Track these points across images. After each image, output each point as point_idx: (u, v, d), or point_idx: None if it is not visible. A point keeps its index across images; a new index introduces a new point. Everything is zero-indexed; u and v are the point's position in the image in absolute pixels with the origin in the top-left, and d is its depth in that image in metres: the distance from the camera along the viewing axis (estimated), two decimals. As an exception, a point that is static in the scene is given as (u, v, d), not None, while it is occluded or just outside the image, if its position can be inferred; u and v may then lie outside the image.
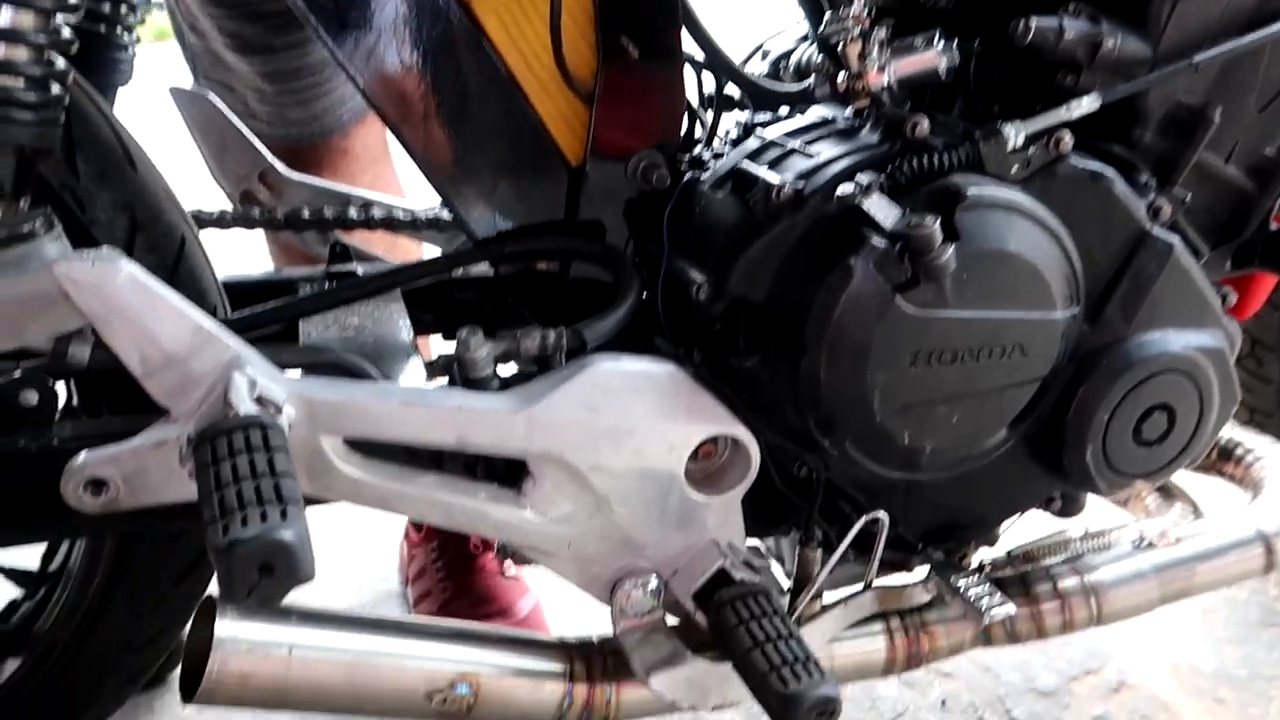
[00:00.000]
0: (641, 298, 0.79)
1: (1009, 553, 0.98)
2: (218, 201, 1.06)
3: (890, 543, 0.87)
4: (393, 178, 1.35)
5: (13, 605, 0.90)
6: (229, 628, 0.67)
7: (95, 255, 0.59)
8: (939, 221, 0.69)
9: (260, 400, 0.62)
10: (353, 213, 1.01)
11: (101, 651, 0.87)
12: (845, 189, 0.71)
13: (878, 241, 0.70)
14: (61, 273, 0.58)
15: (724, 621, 0.75)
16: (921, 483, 0.83)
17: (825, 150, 0.78)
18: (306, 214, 1.00)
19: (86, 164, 0.70)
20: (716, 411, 0.76)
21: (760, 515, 0.85)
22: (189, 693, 0.67)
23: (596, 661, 0.83)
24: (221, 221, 0.99)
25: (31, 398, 0.68)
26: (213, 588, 0.84)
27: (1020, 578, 0.94)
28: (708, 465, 0.80)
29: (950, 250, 0.70)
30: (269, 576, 0.50)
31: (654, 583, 0.80)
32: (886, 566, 0.90)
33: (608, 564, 0.79)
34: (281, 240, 1.25)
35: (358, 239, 1.04)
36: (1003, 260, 0.73)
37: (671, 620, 0.82)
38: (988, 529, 0.91)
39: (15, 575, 0.89)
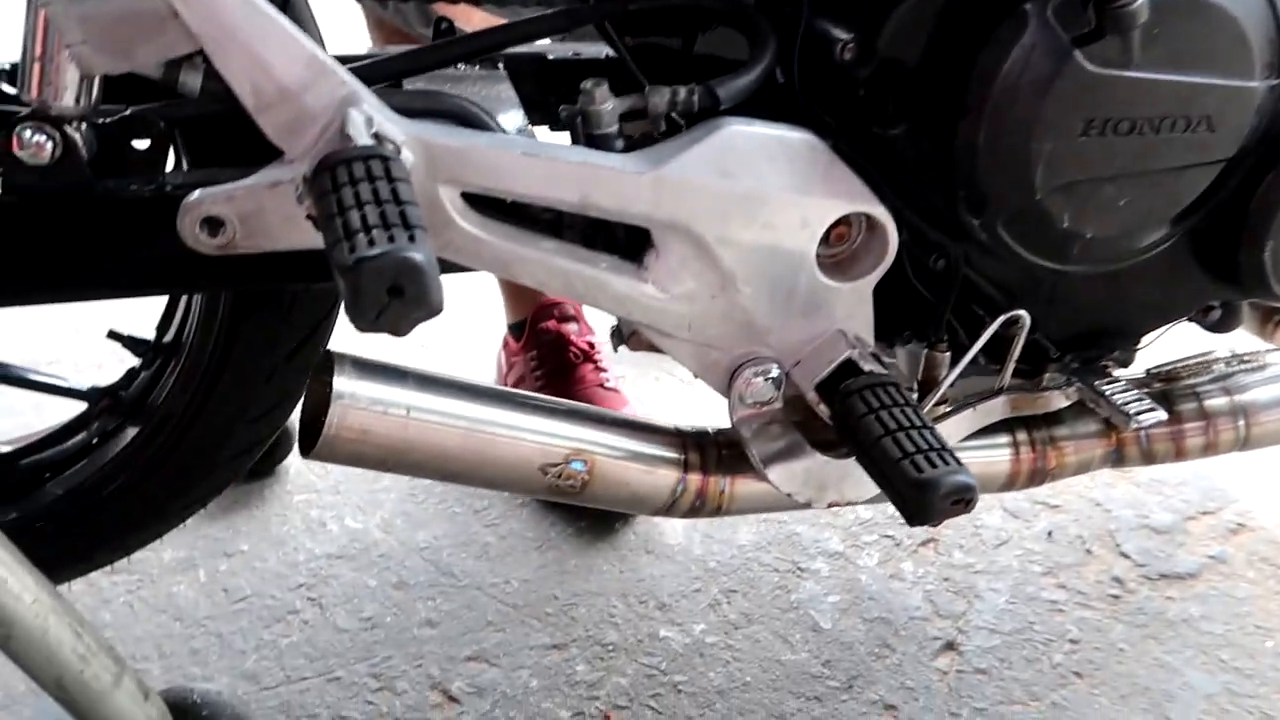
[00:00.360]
0: (777, 59, 0.72)
1: (1149, 370, 0.92)
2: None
3: (1025, 351, 0.81)
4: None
5: (131, 373, 0.91)
6: (348, 383, 0.65)
7: (207, -36, 0.55)
8: (1136, -39, 0.60)
9: (378, 138, 0.58)
10: (458, -16, 0.94)
11: (216, 423, 0.88)
12: (1026, -75, 0.62)
13: (1059, -16, 0.62)
14: (172, -19, 0.54)
15: (852, 410, 0.71)
16: (1070, 279, 0.76)
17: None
18: (409, -15, 0.94)
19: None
20: (855, 187, 0.71)
21: (884, 316, 0.79)
22: (308, 447, 0.67)
23: (711, 452, 0.80)
24: (323, -9, 0.93)
25: (142, 142, 0.66)
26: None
27: (1163, 395, 0.88)
28: (840, 249, 0.75)
29: (1145, -3, 0.61)
30: (398, 299, 0.47)
31: (775, 371, 0.76)
32: (1016, 377, 0.85)
33: (728, 349, 0.75)
34: (382, 20, 1.19)
35: (460, 14, 0.98)
36: (1203, 13, 0.63)
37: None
38: (1134, 338, 0.84)
39: (133, 344, 0.90)
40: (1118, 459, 0.89)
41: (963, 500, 0.65)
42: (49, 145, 0.61)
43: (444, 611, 1.13)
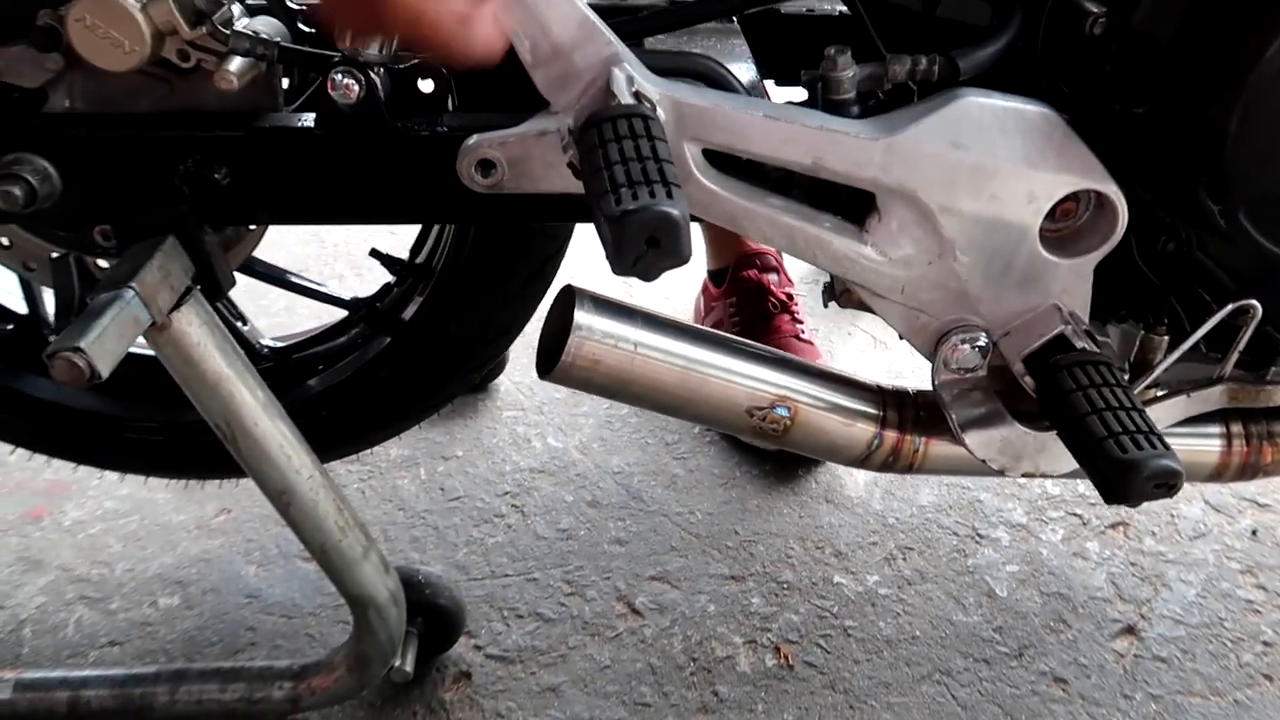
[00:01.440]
0: (1021, 32, 0.72)
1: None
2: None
3: (1252, 343, 0.79)
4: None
5: (386, 288, 1.03)
6: (586, 318, 0.73)
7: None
8: None
9: (638, 97, 0.64)
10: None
11: (455, 339, 0.99)
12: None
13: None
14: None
15: (1060, 385, 0.72)
16: (1313, 272, 0.73)
17: None
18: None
19: None
20: (1089, 163, 0.71)
21: (1106, 299, 0.79)
22: (545, 370, 0.75)
23: (909, 411, 0.83)
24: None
25: (427, 85, 0.74)
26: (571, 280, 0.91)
27: (1401, 400, 0.83)
28: (1064, 225, 0.75)
29: None
30: (654, 249, 0.53)
31: (983, 340, 0.78)
32: (1238, 368, 0.83)
33: (938, 314, 0.78)
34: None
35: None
36: None
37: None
38: (1377, 339, 0.80)
39: (389, 261, 1.01)
40: (1342, 462, 0.85)
41: (1166, 485, 0.65)
42: (355, 87, 0.70)
43: (632, 532, 1.22)
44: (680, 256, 0.54)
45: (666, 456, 1.33)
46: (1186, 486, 1.21)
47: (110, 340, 0.66)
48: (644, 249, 0.53)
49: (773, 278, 1.41)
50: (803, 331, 1.37)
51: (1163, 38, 0.67)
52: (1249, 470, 0.86)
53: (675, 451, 1.34)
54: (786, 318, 1.39)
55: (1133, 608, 1.10)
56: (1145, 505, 1.21)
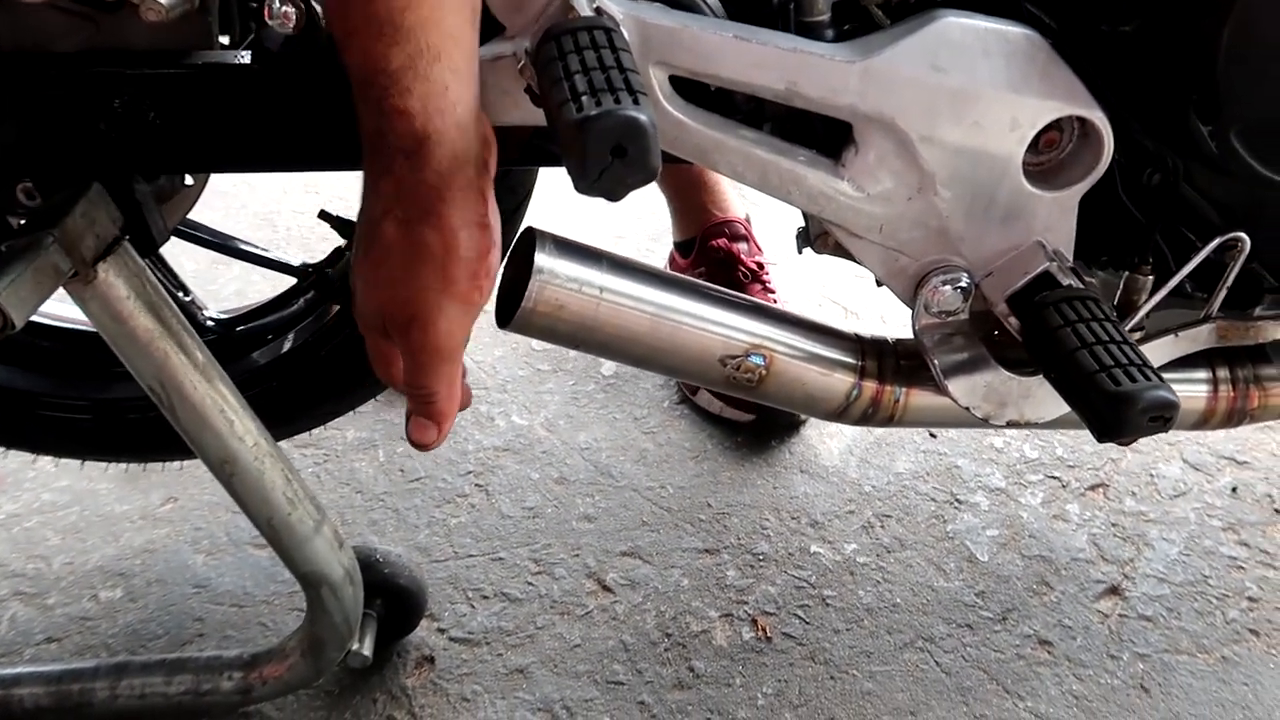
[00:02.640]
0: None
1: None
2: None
3: (1239, 281, 0.76)
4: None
5: (336, 253, 0.97)
6: (547, 260, 0.68)
7: None
8: None
9: (598, 12, 0.60)
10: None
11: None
12: None
13: None
14: None
15: (1047, 321, 0.69)
16: (1303, 201, 0.71)
17: None
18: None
19: None
20: (1074, 88, 0.68)
21: (1088, 238, 0.76)
22: (505, 319, 0.70)
23: (889, 361, 0.80)
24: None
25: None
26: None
27: (1392, 340, 0.81)
28: (1047, 157, 0.72)
29: None
30: (620, 159, 0.49)
31: (964, 281, 0.75)
32: (1226, 307, 0.80)
33: (918, 256, 0.74)
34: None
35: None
36: None
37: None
38: (1366, 275, 0.78)
39: (339, 224, 0.96)
40: (1330, 405, 0.83)
41: (1162, 418, 0.62)
42: (293, 14, 0.65)
43: (601, 508, 1.17)
44: (649, 168, 0.49)
45: (635, 431, 1.29)
46: (1164, 444, 1.19)
47: (25, 288, 0.61)
48: (609, 160, 0.49)
49: (742, 246, 1.38)
50: (775, 302, 1.33)
51: (1149, -50, 0.64)
52: (1236, 416, 0.84)
53: (644, 426, 1.29)
54: (758, 287, 1.35)
55: (1116, 568, 1.07)
56: (1124, 466, 1.19)
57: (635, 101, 0.50)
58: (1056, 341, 0.68)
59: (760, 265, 1.36)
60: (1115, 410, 0.63)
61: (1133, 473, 1.18)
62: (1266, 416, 0.85)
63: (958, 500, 1.16)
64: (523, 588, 1.08)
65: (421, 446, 0.63)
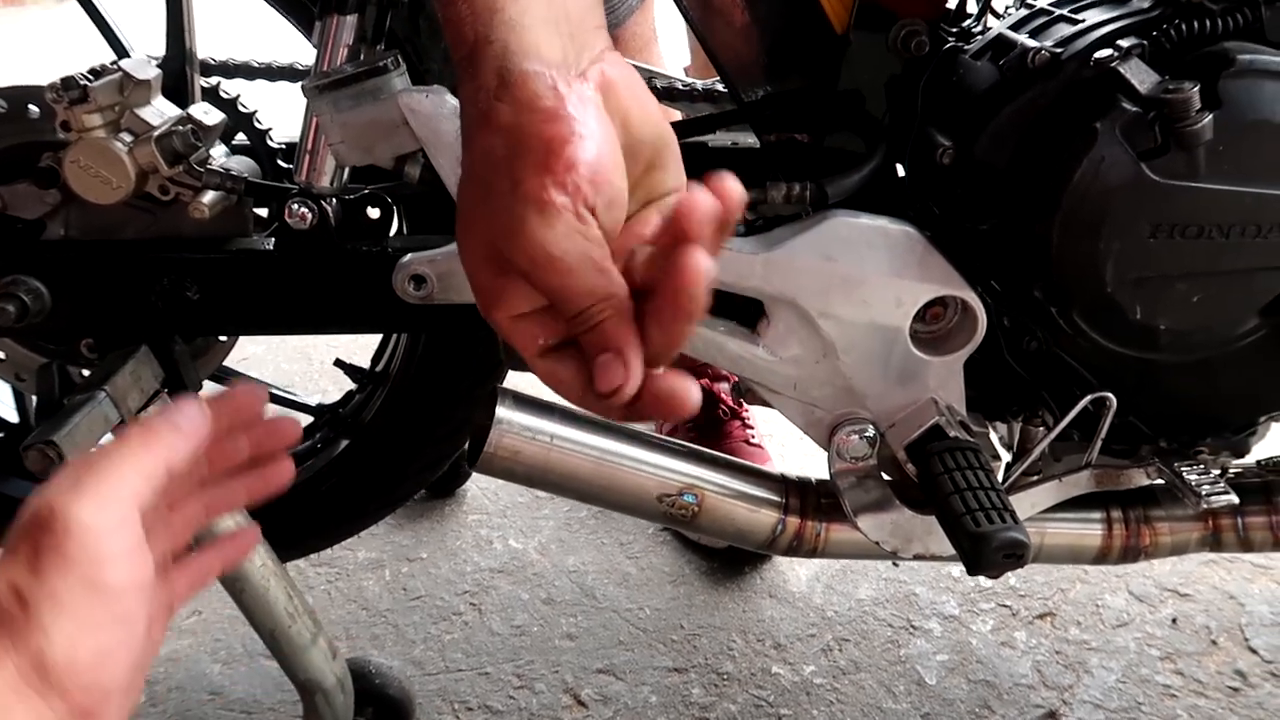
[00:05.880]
0: (886, 162, 0.84)
1: (1259, 462, 0.95)
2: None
3: (1121, 432, 0.87)
4: (659, 62, 1.44)
5: (349, 395, 1.12)
6: (507, 413, 0.82)
7: (430, 90, 0.73)
8: (1198, 88, 0.68)
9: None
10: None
11: (408, 439, 1.07)
12: (1103, 54, 0.72)
13: (1128, 106, 0.71)
14: (404, 102, 0.72)
15: (931, 468, 0.80)
16: (1155, 365, 0.82)
17: (1092, 16, 0.77)
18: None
19: (426, 21, 0.85)
20: (948, 273, 0.81)
21: (987, 395, 0.88)
22: (472, 460, 0.83)
23: (811, 498, 0.91)
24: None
25: (374, 212, 0.85)
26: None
27: (1264, 485, 0.91)
28: (936, 327, 0.85)
29: (1208, 119, 0.69)
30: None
31: (870, 431, 0.86)
32: (1114, 456, 0.91)
33: (829, 409, 0.87)
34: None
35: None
36: (1268, 133, 0.70)
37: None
38: (1230, 428, 0.88)
39: (352, 371, 1.11)
40: (1215, 543, 0.92)
41: (1014, 555, 0.73)
42: (309, 215, 0.82)
43: (583, 628, 1.27)
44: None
45: (620, 555, 1.39)
46: (1112, 576, 1.27)
47: (81, 435, 0.75)
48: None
49: (724, 385, 1.50)
50: (753, 437, 1.45)
51: (998, 165, 0.78)
52: (1131, 553, 0.93)
53: (629, 551, 1.40)
54: (737, 423, 1.47)
55: (1055, 694, 1.14)
56: (1072, 595, 1.27)
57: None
58: (937, 486, 0.79)
59: (740, 403, 1.49)
60: (976, 548, 0.73)
61: (1079, 602, 1.26)
62: (1160, 554, 0.94)
63: (913, 626, 1.25)
64: (505, 701, 1.17)
65: (614, 395, 0.48)
